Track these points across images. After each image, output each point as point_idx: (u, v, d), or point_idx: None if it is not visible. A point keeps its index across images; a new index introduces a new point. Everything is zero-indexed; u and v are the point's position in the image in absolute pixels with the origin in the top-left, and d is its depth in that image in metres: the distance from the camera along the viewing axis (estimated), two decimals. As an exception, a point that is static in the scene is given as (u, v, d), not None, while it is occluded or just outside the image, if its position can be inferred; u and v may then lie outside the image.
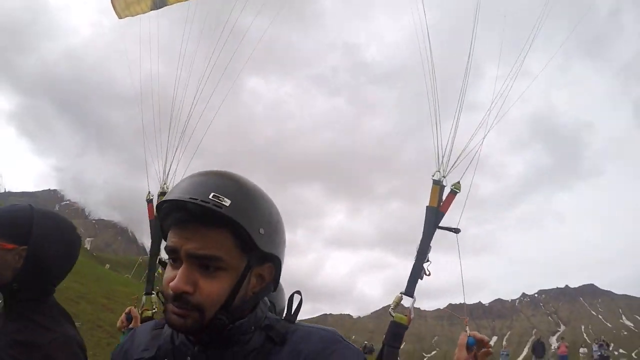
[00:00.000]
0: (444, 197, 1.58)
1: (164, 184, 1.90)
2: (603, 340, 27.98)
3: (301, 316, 1.19)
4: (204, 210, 0.98)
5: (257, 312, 1.10)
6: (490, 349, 1.59)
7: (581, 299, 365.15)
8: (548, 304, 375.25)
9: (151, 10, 2.73)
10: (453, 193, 1.59)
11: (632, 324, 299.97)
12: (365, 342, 41.73)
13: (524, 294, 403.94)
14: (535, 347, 27.99)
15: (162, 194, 1.88)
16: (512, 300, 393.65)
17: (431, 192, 1.60)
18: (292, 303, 1.17)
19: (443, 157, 1.64)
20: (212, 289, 1.00)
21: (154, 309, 1.84)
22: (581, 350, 30.14)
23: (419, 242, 1.54)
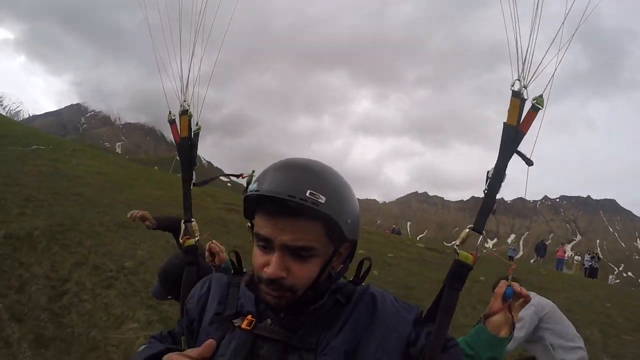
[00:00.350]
0: (523, 114, 1.31)
1: (184, 101, 1.80)
2: (595, 253, 29.30)
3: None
4: (300, 207, 1.05)
5: None
6: (528, 296, 1.40)
7: (601, 212, 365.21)
8: (568, 211, 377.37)
9: None
10: (534, 109, 1.33)
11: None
12: (393, 225, 44.50)
13: (545, 196, 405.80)
14: (538, 248, 31.94)
15: (184, 112, 1.81)
16: (533, 201, 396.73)
17: (510, 107, 1.35)
18: (361, 267, 1.28)
19: (523, 61, 1.35)
20: (304, 273, 1.11)
21: (197, 236, 1.82)
22: (576, 257, 31.59)
23: (493, 167, 1.29)
